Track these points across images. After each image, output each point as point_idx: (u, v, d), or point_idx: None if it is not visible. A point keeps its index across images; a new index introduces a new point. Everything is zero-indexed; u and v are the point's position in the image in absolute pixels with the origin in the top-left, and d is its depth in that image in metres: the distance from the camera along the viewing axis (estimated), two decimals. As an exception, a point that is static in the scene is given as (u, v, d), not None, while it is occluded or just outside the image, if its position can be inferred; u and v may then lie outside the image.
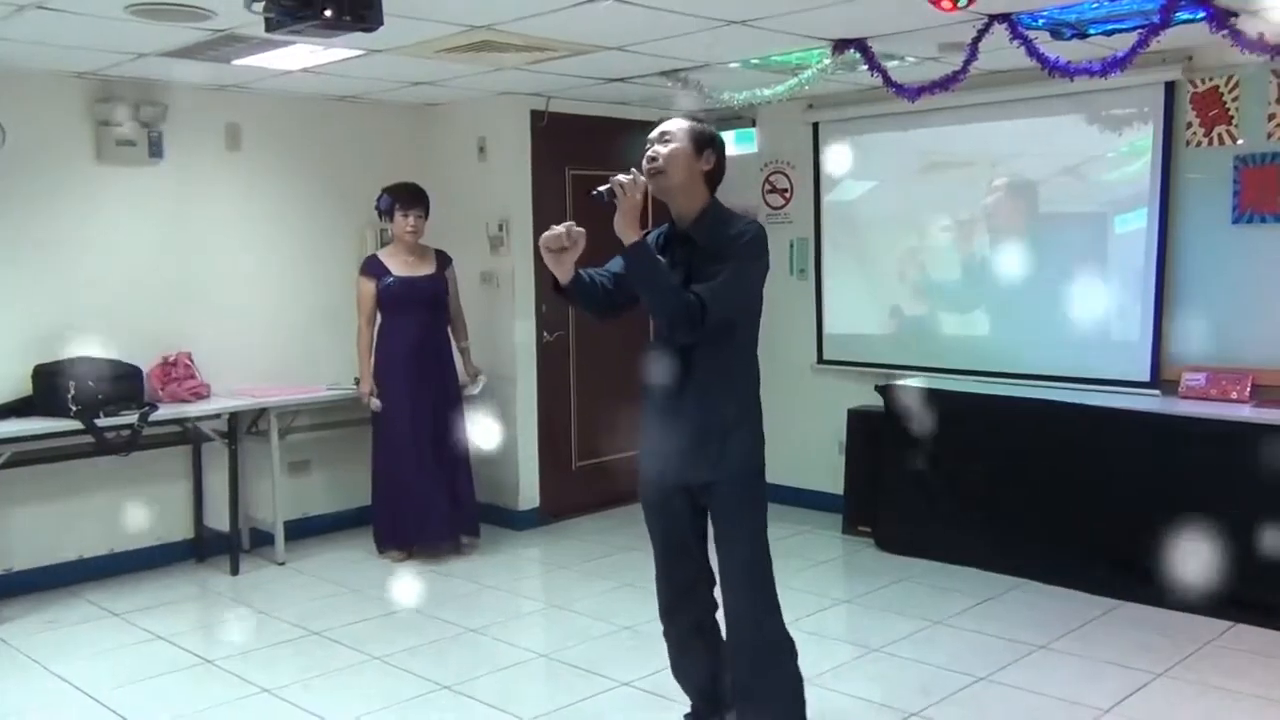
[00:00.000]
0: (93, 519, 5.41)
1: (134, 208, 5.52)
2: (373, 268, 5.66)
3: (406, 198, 5.64)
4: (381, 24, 3.25)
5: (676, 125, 3.16)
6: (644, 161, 3.12)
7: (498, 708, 3.87)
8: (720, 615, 3.25)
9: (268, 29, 3.22)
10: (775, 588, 3.20)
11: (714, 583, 3.25)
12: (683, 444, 3.13)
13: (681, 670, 3.42)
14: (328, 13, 3.08)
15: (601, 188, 3.02)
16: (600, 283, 3.21)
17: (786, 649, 3.22)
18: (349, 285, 6.27)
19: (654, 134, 3.18)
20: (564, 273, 3.10)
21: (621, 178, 2.97)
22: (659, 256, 3.06)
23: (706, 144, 3.14)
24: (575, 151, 6.56)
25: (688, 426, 3.12)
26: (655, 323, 3.24)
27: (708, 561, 3.27)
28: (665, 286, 3.00)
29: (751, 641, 3.16)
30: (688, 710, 3.49)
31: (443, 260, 5.77)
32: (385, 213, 5.69)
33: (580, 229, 3.08)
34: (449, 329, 5.83)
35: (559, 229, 3.05)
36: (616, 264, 3.20)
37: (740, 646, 3.17)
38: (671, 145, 3.11)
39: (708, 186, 3.16)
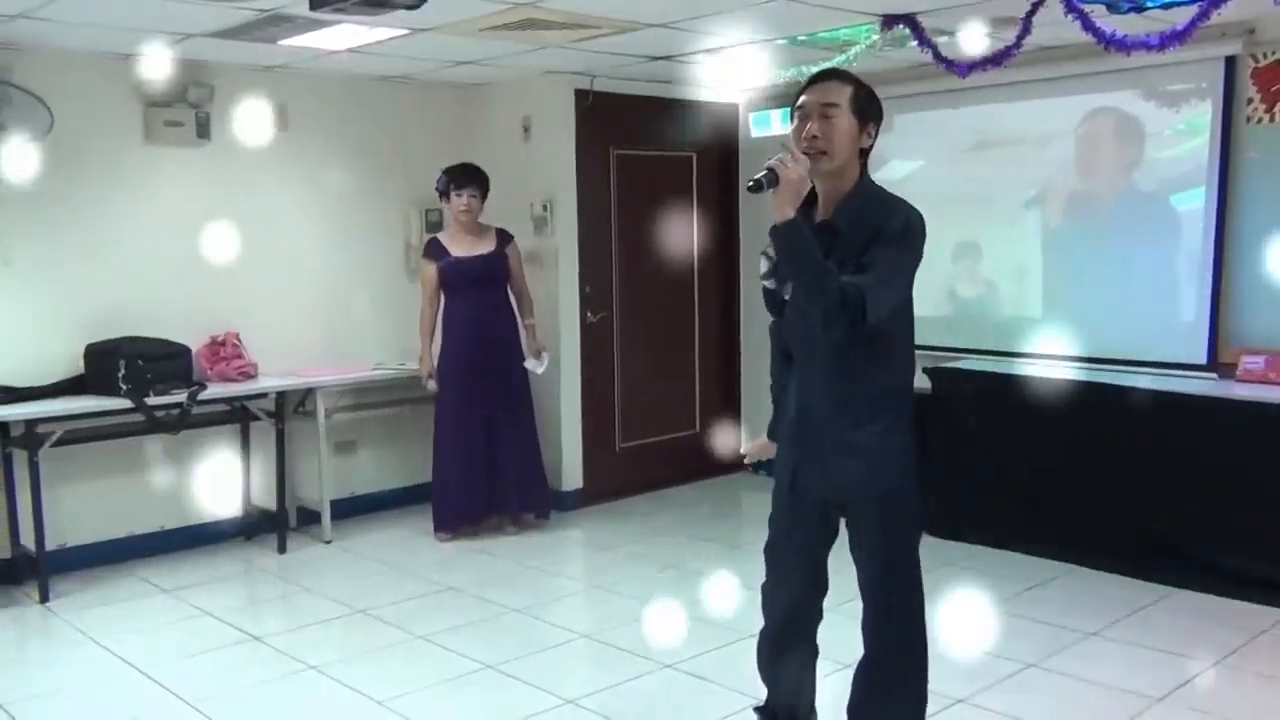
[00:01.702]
0: (142, 496, 5.48)
1: (182, 188, 5.56)
2: (433, 249, 5.67)
3: (461, 177, 5.64)
4: (425, 1, 3.22)
5: (841, 93, 2.70)
6: (799, 137, 2.70)
7: (541, 688, 3.87)
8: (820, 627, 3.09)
9: (311, 7, 3.21)
10: (923, 607, 2.94)
11: (825, 591, 3.06)
12: (828, 455, 2.83)
13: (771, 672, 3.18)
14: (372, -10, 3.06)
15: (759, 175, 2.57)
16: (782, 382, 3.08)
17: (921, 668, 2.99)
18: (394, 266, 6.33)
19: (810, 99, 2.72)
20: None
21: (783, 156, 2.57)
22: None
23: (873, 116, 2.75)
24: (620, 131, 6.53)
25: (825, 435, 2.82)
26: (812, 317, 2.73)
27: (825, 568, 3.03)
28: (821, 272, 2.56)
29: (887, 659, 2.94)
30: (759, 703, 3.28)
31: (503, 238, 5.76)
32: (443, 193, 5.69)
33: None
34: (514, 307, 5.81)
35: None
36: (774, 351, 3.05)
37: (873, 663, 2.95)
38: (835, 122, 2.68)
39: (861, 161, 2.76)
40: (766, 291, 2.95)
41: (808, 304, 2.66)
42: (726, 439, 7.13)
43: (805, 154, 2.65)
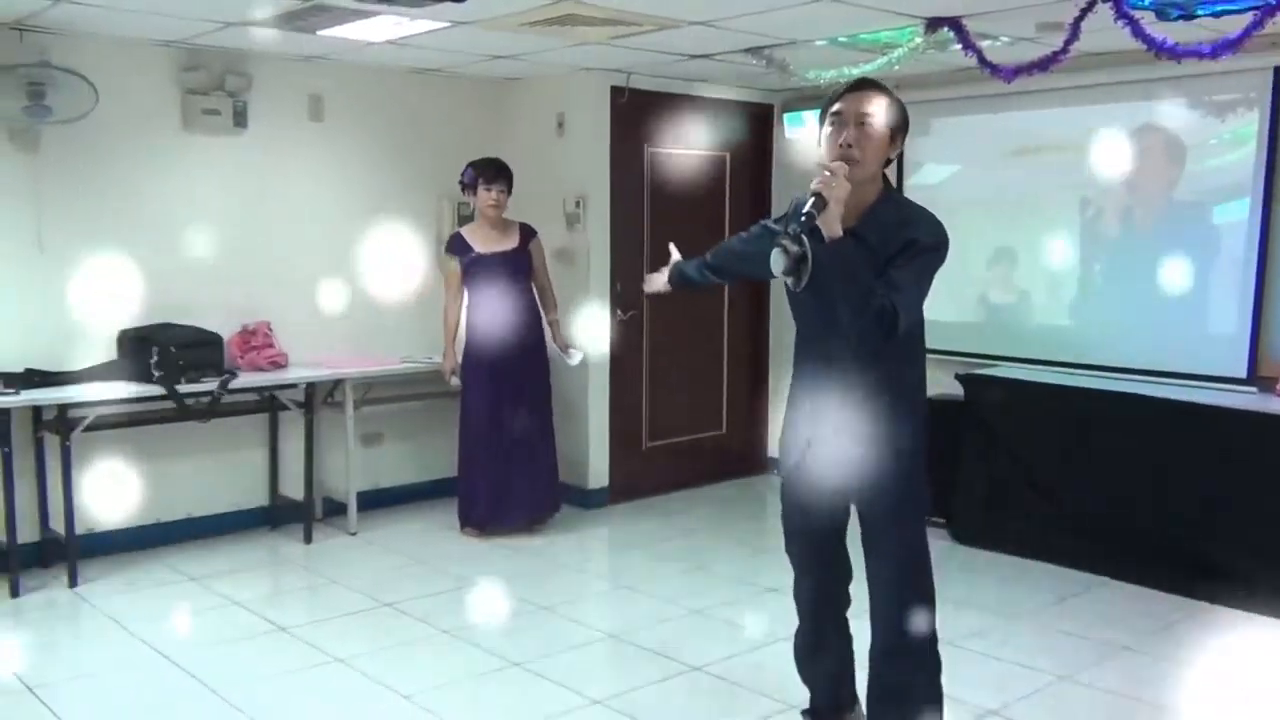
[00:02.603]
0: (171, 483, 5.49)
1: (218, 177, 5.57)
2: (456, 245, 5.66)
3: (490, 172, 5.61)
4: (471, -6, 3.20)
5: (879, 105, 2.78)
6: (834, 144, 2.78)
7: (568, 687, 3.85)
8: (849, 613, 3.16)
9: (358, -2, 3.19)
10: (934, 597, 3.02)
11: (850, 578, 3.14)
12: (831, 447, 2.92)
13: (810, 665, 3.28)
14: (418, -18, 3.03)
15: (808, 207, 2.62)
16: (704, 273, 3.41)
17: (934, 660, 3.07)
18: (426, 258, 6.32)
19: (847, 107, 2.78)
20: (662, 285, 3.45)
21: (824, 176, 2.63)
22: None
23: (903, 128, 2.85)
24: (654, 129, 6.50)
25: (837, 429, 2.90)
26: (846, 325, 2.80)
27: (847, 556, 3.14)
28: (867, 291, 2.64)
29: (900, 649, 3.00)
30: (806, 707, 3.37)
31: (526, 233, 5.74)
32: (469, 186, 5.67)
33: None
34: (538, 302, 5.80)
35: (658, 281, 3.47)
36: (735, 242, 3.25)
37: (886, 652, 3.02)
38: (870, 134, 2.76)
39: (883, 170, 2.87)
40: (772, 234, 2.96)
41: (846, 317, 2.72)
42: (754, 440, 7.10)
43: (843, 159, 2.72)
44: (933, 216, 2.83)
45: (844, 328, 2.76)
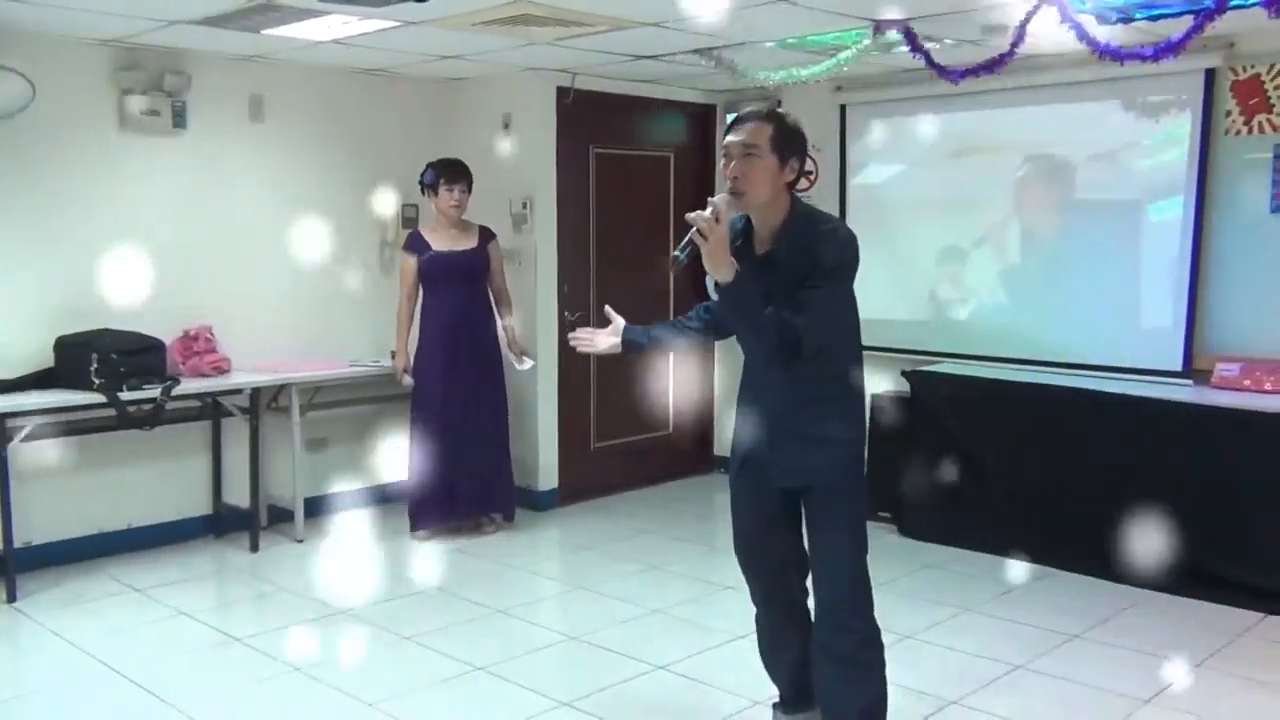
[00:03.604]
0: (112, 493, 5.35)
1: (157, 178, 5.44)
2: (414, 242, 5.61)
3: (450, 173, 5.57)
4: (435, -6, 3.17)
5: (760, 134, 2.88)
6: (723, 166, 2.95)
7: (534, 690, 3.83)
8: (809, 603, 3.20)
9: (319, -3, 3.14)
10: (869, 587, 3.08)
11: (805, 570, 3.19)
12: (780, 445, 3.04)
13: (772, 655, 3.37)
14: (384, -19, 3.00)
15: (677, 252, 2.80)
16: (669, 333, 3.39)
17: (873, 648, 3.11)
18: (370, 260, 6.25)
19: (732, 140, 2.92)
20: (611, 346, 3.29)
21: (699, 224, 2.70)
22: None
23: (792, 152, 2.92)
24: (599, 129, 6.50)
25: (786, 428, 3.02)
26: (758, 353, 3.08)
27: (800, 547, 3.19)
28: (760, 319, 2.80)
29: (836, 638, 3.05)
30: (776, 699, 3.44)
31: (485, 236, 5.71)
32: (429, 187, 5.62)
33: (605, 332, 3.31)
34: (493, 305, 5.76)
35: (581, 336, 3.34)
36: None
37: (825, 645, 3.07)
38: (754, 160, 2.87)
39: (789, 192, 2.96)
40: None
41: (754, 348, 3.01)
42: (701, 440, 7.15)
43: (731, 193, 2.87)
44: (839, 232, 2.92)
45: (758, 352, 3.01)
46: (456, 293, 5.58)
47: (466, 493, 5.65)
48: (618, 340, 3.31)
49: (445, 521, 5.69)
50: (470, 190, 5.63)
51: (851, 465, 3.05)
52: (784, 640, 3.30)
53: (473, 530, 5.75)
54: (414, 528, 5.70)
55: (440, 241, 5.59)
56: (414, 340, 5.67)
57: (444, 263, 5.55)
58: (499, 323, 5.77)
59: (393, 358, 5.73)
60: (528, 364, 5.84)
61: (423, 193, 5.70)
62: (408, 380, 5.61)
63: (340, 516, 6.08)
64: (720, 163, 3.06)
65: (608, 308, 3.37)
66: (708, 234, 2.70)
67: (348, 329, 6.11)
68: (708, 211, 2.71)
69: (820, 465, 3.00)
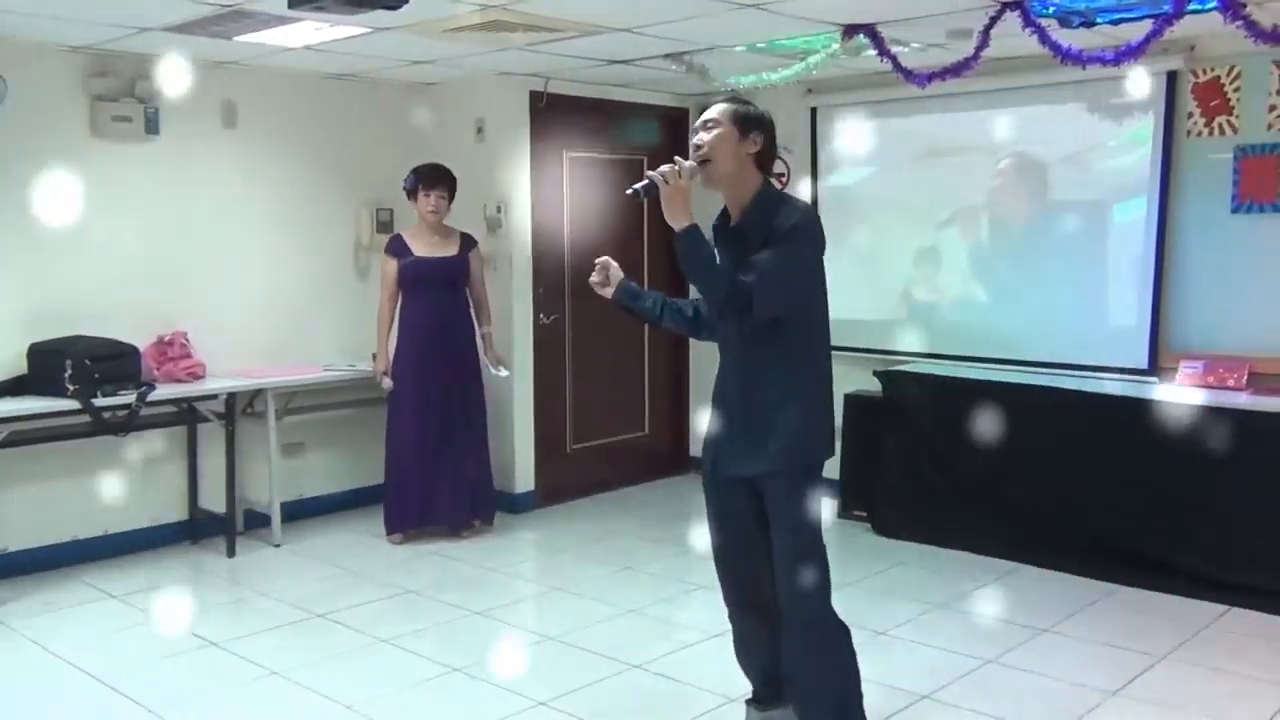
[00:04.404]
0: (87, 500, 5.35)
1: (130, 185, 5.44)
2: (395, 246, 5.63)
3: (429, 178, 5.61)
4: (408, 2, 3.21)
5: (719, 110, 3.07)
6: (691, 151, 3.08)
7: (512, 690, 3.86)
8: None
9: (291, 5, 3.17)
10: (826, 578, 3.11)
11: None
12: (734, 436, 3.12)
13: (744, 655, 3.40)
14: (356, -11, 3.03)
15: (638, 185, 2.97)
16: (661, 305, 3.38)
17: (836, 639, 3.15)
18: (344, 265, 6.27)
19: (698, 122, 3.12)
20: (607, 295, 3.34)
21: (663, 168, 2.92)
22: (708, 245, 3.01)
23: (753, 126, 3.05)
24: (574, 133, 6.54)
25: (739, 419, 3.10)
26: (709, 313, 3.20)
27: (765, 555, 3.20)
28: (712, 272, 2.96)
29: (798, 631, 3.11)
30: (749, 695, 3.46)
31: (467, 243, 5.74)
32: (410, 192, 5.65)
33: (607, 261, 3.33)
34: (472, 312, 5.78)
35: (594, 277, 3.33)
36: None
37: (788, 636, 3.13)
38: (715, 131, 3.03)
39: (759, 170, 3.08)
40: None
41: (707, 301, 3.11)
42: (676, 441, 7.20)
43: (696, 160, 3.02)
44: (802, 207, 3.07)
45: (711, 314, 3.10)
46: (436, 298, 5.60)
47: (445, 497, 5.67)
48: (613, 289, 3.36)
49: (421, 525, 5.71)
50: (451, 195, 5.67)
51: (799, 457, 3.06)
52: (755, 639, 3.33)
53: (450, 533, 5.77)
54: (390, 531, 5.72)
55: (421, 247, 5.61)
56: (393, 343, 5.68)
57: (424, 268, 5.57)
58: (477, 330, 5.79)
59: (373, 360, 5.74)
60: (504, 372, 5.88)
61: (408, 198, 5.73)
62: (387, 383, 5.63)
63: (318, 520, 6.09)
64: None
65: (608, 259, 3.39)
66: (671, 179, 2.89)
67: (323, 333, 6.13)
68: (670, 167, 2.91)
69: (766, 455, 3.04)
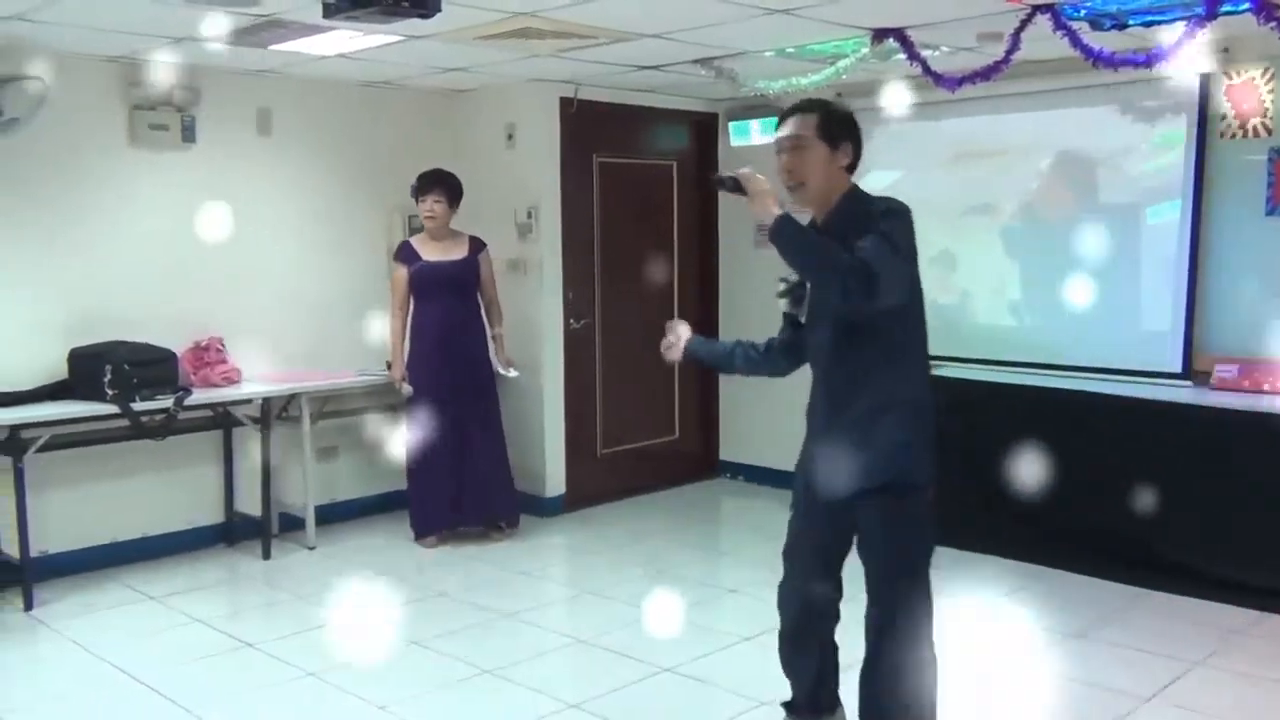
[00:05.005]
0: (125, 502, 5.43)
1: (167, 192, 5.52)
2: (404, 253, 5.68)
3: (422, 183, 5.65)
4: (440, 10, 3.25)
5: (807, 124, 2.87)
6: (779, 172, 2.91)
7: (543, 692, 3.89)
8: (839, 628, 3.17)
9: (326, 15, 3.22)
10: (929, 609, 2.97)
11: (842, 596, 3.12)
12: (828, 453, 2.94)
13: (792, 667, 3.26)
14: (389, -1, 3.08)
15: (726, 174, 2.86)
16: (732, 352, 3.31)
17: (929, 676, 3.00)
18: (378, 271, 6.32)
19: (781, 134, 2.91)
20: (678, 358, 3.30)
21: (745, 171, 2.81)
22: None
23: (843, 135, 2.89)
24: (602, 139, 6.58)
25: (835, 433, 2.93)
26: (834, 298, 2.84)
27: (841, 576, 3.11)
28: (825, 249, 2.72)
29: (891, 663, 2.96)
30: (786, 699, 3.34)
31: (475, 246, 5.77)
32: (414, 198, 5.71)
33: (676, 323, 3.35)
34: (483, 315, 5.82)
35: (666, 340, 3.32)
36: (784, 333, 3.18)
37: (879, 665, 2.99)
38: (805, 153, 2.86)
39: (847, 173, 2.93)
40: (785, 314, 3.14)
41: (822, 283, 2.82)
42: (707, 445, 7.21)
43: (787, 187, 2.88)
44: (894, 200, 2.89)
45: (832, 300, 2.81)
46: (448, 302, 5.64)
47: (467, 500, 5.71)
48: (680, 350, 3.32)
49: (446, 528, 5.74)
50: (449, 199, 5.66)
51: (900, 478, 2.88)
52: (804, 654, 3.20)
53: (481, 537, 5.81)
54: (417, 535, 5.77)
55: (430, 252, 5.66)
56: (407, 349, 5.71)
57: (434, 272, 5.61)
58: (489, 332, 5.83)
59: (388, 368, 5.78)
60: (513, 373, 5.91)
61: (416, 204, 5.78)
62: (407, 388, 5.66)
63: (351, 523, 6.15)
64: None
65: (680, 321, 3.42)
66: (757, 180, 2.78)
67: (356, 338, 6.18)
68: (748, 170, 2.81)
69: (862, 474, 2.87)
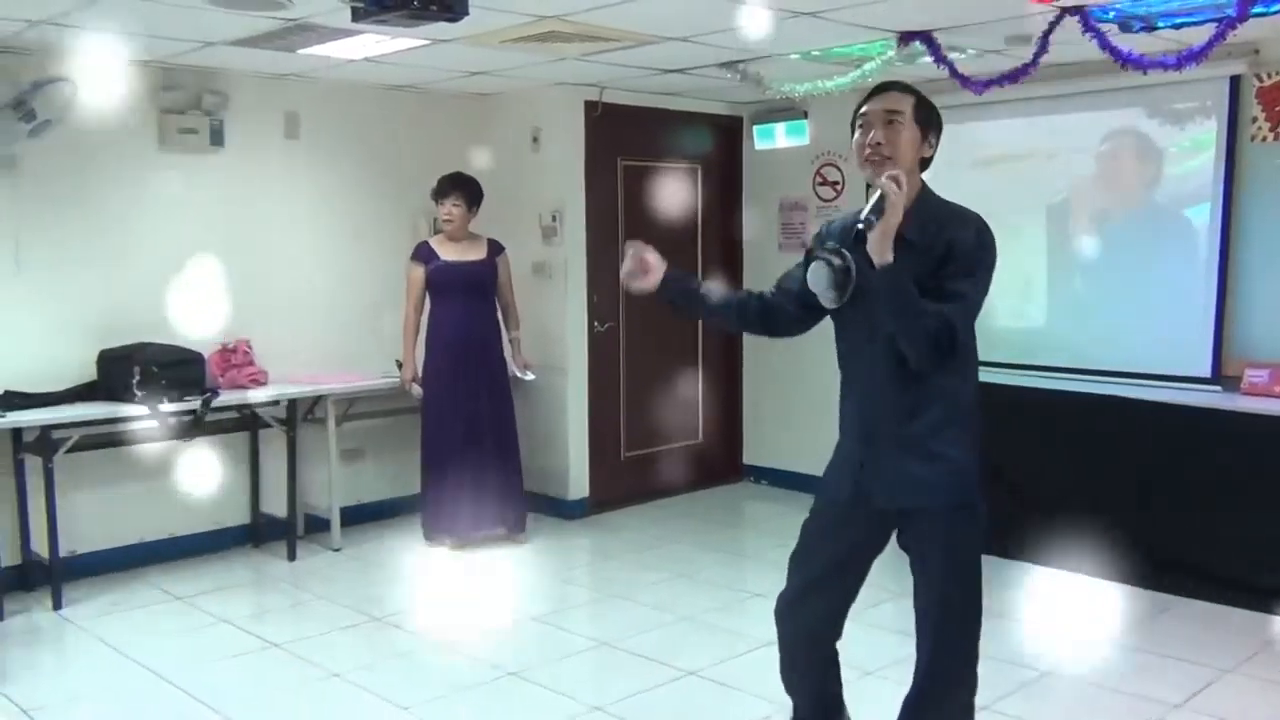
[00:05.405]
0: (153, 503, 5.47)
1: (195, 195, 5.57)
2: (422, 253, 5.69)
3: (443, 185, 5.66)
4: (467, 14, 3.26)
5: (905, 102, 2.72)
6: (862, 146, 2.71)
7: (566, 694, 3.90)
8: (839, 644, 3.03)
9: (354, 18, 3.24)
10: (979, 636, 2.82)
11: (847, 613, 2.98)
12: (897, 462, 2.73)
13: (790, 683, 3.12)
14: (416, 2, 3.09)
15: (871, 216, 2.56)
16: (746, 302, 2.99)
17: (971, 707, 2.89)
18: (403, 273, 6.32)
19: (873, 108, 2.72)
20: (650, 287, 2.87)
21: (889, 185, 2.55)
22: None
23: (934, 128, 2.76)
24: (627, 142, 6.58)
25: (904, 442, 2.72)
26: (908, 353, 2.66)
27: (855, 592, 2.96)
28: (919, 313, 2.56)
29: (938, 693, 2.84)
30: (789, 716, 3.21)
31: (494, 248, 5.78)
32: (434, 200, 5.73)
33: (639, 246, 2.87)
34: (500, 317, 5.84)
35: (626, 265, 2.86)
36: (794, 279, 2.90)
37: (926, 695, 2.86)
38: (900, 130, 2.69)
39: (920, 170, 2.77)
40: (801, 290, 2.87)
41: (901, 341, 2.62)
42: (730, 449, 7.20)
43: (869, 161, 2.69)
44: (978, 217, 2.74)
45: (907, 352, 2.63)
46: (465, 303, 5.63)
47: (474, 504, 5.68)
48: (658, 279, 2.90)
49: (453, 534, 5.70)
50: (468, 202, 5.65)
51: (966, 492, 2.73)
52: (804, 671, 3.06)
53: (502, 540, 5.82)
54: (428, 537, 5.76)
55: (448, 252, 5.66)
56: (421, 351, 5.73)
57: (451, 273, 5.61)
58: (505, 335, 5.83)
59: (399, 368, 5.79)
60: (529, 376, 5.91)
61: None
62: (416, 390, 5.67)
63: (375, 525, 6.17)
64: (855, 145, 2.77)
65: (640, 243, 2.94)
66: (896, 202, 2.55)
67: (380, 341, 6.19)
68: (890, 181, 2.56)
69: (931, 486, 2.70)
